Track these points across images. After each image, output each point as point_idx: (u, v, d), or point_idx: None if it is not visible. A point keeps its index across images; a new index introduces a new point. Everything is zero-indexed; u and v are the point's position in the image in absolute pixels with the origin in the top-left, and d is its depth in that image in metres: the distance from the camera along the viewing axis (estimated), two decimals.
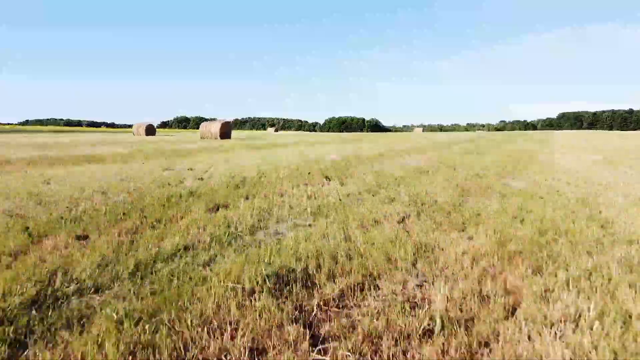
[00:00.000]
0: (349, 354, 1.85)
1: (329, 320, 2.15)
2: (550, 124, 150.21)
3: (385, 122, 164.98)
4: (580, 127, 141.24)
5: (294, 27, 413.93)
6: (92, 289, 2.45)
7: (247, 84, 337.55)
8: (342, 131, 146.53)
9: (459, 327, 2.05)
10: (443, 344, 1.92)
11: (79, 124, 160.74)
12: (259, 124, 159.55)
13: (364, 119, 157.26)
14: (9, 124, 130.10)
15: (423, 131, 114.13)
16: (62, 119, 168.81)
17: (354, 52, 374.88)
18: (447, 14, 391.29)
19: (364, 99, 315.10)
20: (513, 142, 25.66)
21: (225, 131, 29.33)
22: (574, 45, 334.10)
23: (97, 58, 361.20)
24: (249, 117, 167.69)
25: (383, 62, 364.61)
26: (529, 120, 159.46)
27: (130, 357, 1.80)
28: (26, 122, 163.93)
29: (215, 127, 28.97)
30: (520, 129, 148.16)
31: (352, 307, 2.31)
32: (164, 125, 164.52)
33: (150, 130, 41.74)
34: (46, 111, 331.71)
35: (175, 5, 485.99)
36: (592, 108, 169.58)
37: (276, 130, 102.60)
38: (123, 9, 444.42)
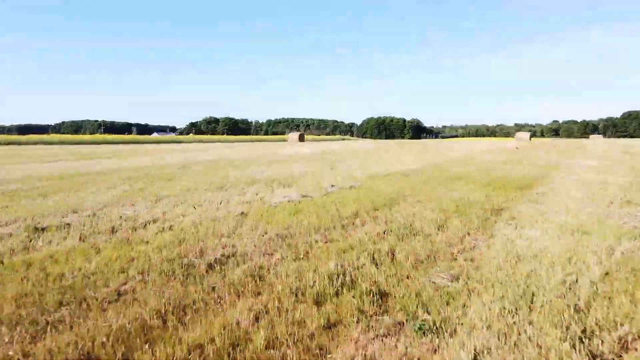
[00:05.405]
0: None
1: None
2: (614, 124, 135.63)
3: (425, 123, 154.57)
4: None
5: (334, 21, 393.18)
6: None
7: (279, 83, 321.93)
8: (381, 133, 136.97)
9: None
10: None
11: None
12: (292, 124, 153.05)
13: (404, 120, 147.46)
14: None
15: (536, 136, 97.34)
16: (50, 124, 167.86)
17: (384, 47, 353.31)
18: (476, 9, 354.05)
19: (397, 96, 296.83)
20: None
21: None
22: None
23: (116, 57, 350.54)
24: (283, 118, 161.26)
25: (406, 59, 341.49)
26: (587, 120, 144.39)
27: None
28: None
29: None
30: (578, 131, 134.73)
31: None
32: (193, 126, 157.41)
33: None
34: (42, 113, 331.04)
35: None
36: None
37: (301, 139, 58.34)
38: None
